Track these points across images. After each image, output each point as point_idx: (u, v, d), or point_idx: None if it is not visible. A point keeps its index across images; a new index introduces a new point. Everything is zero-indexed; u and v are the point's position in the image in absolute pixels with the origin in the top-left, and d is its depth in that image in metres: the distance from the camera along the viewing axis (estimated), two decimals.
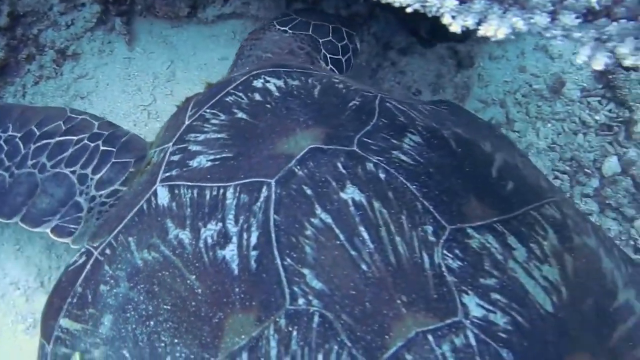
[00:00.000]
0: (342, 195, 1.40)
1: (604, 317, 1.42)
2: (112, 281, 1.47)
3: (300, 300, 1.26)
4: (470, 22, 0.89)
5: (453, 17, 0.90)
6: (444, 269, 1.33)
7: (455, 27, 0.90)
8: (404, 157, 1.53)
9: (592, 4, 0.83)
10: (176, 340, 1.32)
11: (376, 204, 1.41)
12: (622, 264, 1.61)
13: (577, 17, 0.83)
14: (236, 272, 1.33)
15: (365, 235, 1.35)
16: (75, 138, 1.98)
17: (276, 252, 1.33)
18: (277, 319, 1.26)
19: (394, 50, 2.58)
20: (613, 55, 0.82)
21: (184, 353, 1.30)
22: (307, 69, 1.89)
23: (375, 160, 1.49)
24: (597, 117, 2.55)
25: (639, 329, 1.46)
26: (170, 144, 1.68)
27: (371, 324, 1.24)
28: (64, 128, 2.00)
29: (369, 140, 1.55)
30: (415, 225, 1.39)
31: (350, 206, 1.39)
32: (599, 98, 2.61)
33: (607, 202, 2.39)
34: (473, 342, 1.25)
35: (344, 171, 1.45)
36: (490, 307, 1.30)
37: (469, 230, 1.41)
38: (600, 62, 0.83)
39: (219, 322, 1.30)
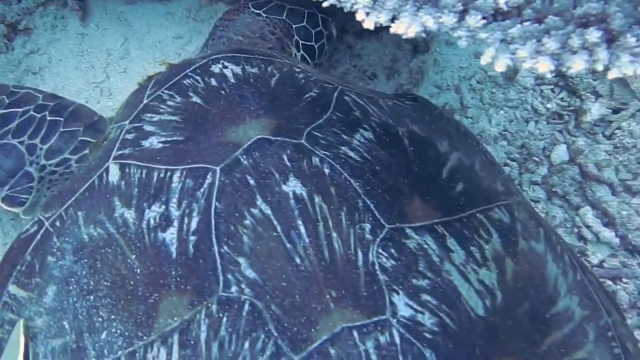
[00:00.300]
0: (284, 187, 1.42)
1: (539, 323, 1.45)
2: (58, 253, 1.49)
3: (233, 288, 1.29)
4: (383, 18, 0.90)
5: (367, 14, 0.90)
6: (377, 267, 1.35)
7: (369, 24, 0.90)
8: (351, 153, 1.54)
9: (499, 4, 0.84)
10: (113, 317, 1.35)
11: (317, 199, 1.42)
12: (571, 270, 1.64)
13: (483, 18, 0.84)
14: (174, 255, 1.36)
15: (302, 229, 1.37)
16: (20, 110, 1.98)
17: (214, 239, 1.36)
18: (209, 305, 1.28)
19: (350, 34, 2.58)
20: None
21: (119, 329, 1.33)
22: (270, 56, 1.88)
23: (321, 155, 1.50)
24: (549, 106, 2.58)
25: (575, 336, 1.50)
26: (127, 121, 1.68)
27: (299, 316, 1.26)
28: (7, 101, 1.98)
29: (319, 134, 1.56)
30: (354, 222, 1.40)
31: (290, 199, 1.41)
32: (551, 86, 2.64)
33: (553, 189, 2.44)
34: (397, 340, 1.27)
35: (288, 164, 1.47)
36: (419, 308, 1.32)
37: (408, 231, 1.42)
38: (502, 64, 0.84)
39: (154, 302, 1.32)
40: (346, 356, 1.23)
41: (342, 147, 1.55)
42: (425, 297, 1.35)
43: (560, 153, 2.48)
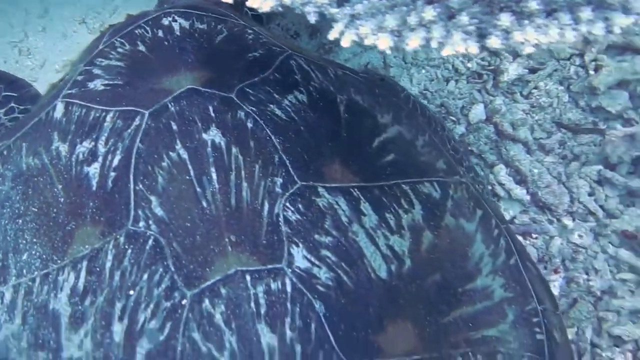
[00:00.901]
0: (204, 135, 1.50)
1: (448, 295, 1.53)
2: (0, 179, 1.62)
3: (141, 223, 1.40)
4: None
5: None
6: (281, 219, 1.42)
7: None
8: (278, 112, 1.60)
9: None
10: (35, 240, 1.47)
11: (234, 150, 1.49)
12: (504, 254, 1.71)
13: None
14: (94, 188, 1.48)
15: (213, 175, 1.45)
16: None
17: (131, 177, 1.46)
18: (118, 237, 1.40)
19: None
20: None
21: (38, 252, 1.45)
22: (225, 16, 1.94)
23: (247, 110, 1.57)
24: (469, 65, 2.62)
25: (489, 314, 1.58)
26: (82, 64, 1.77)
27: (197, 256, 1.35)
28: None
29: (250, 91, 1.63)
30: (267, 175, 1.47)
31: (208, 147, 1.49)
32: None
33: (470, 148, 2.49)
34: (289, 289, 1.34)
35: (212, 114, 1.54)
36: (316, 262, 1.39)
37: (320, 190, 1.49)
38: (348, 40, 0.86)
39: (71, 230, 1.45)
40: (235, 297, 1.31)
41: (271, 105, 1.61)
42: (325, 252, 1.41)
43: (477, 112, 2.53)
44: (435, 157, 1.81)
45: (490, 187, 2.45)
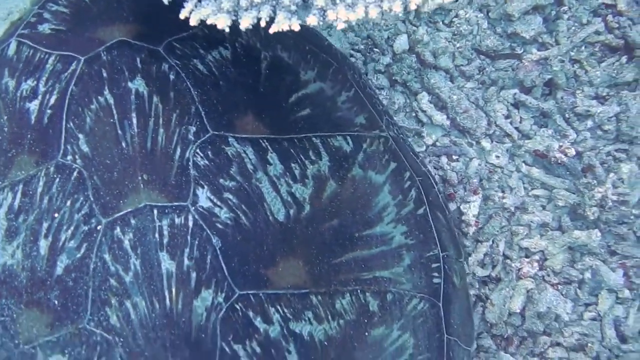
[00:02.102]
0: (129, 84, 1.69)
1: (344, 239, 1.72)
2: None
3: (69, 157, 1.62)
4: None
5: None
6: (190, 163, 1.61)
7: None
8: (200, 67, 1.77)
9: None
10: None
11: (155, 99, 1.68)
12: (412, 204, 1.90)
13: None
14: (32, 122, 1.70)
15: (134, 120, 1.64)
16: None
17: (64, 115, 1.67)
18: (49, 167, 1.63)
19: None
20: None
21: None
22: None
23: (172, 63, 1.75)
24: None
25: (385, 258, 1.77)
26: (37, 7, 1.91)
27: (113, 189, 1.57)
28: None
29: (178, 45, 1.80)
30: (182, 124, 1.66)
31: (132, 94, 1.68)
32: None
33: (394, 77, 2.60)
34: (190, 224, 1.55)
35: (139, 65, 1.72)
36: (218, 203, 1.59)
37: (230, 139, 1.68)
38: (195, 19, 0.99)
39: (12, 157, 1.68)
40: (143, 227, 1.53)
41: (194, 60, 1.78)
42: (228, 195, 1.60)
43: (401, 42, 2.63)
44: (356, 113, 1.95)
45: (414, 114, 2.58)
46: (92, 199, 1.58)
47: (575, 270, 2.29)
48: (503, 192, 2.45)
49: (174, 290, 1.50)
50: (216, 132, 1.68)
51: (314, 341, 1.60)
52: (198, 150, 1.64)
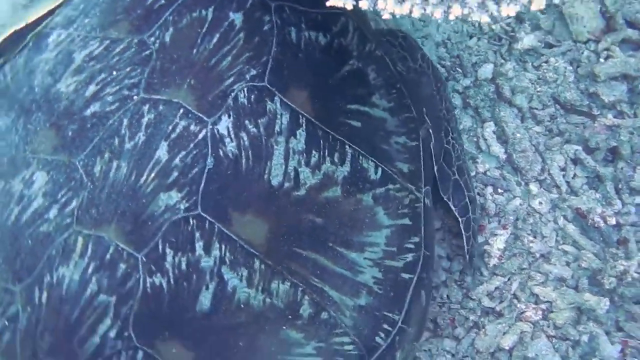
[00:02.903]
0: (231, 13, 1.89)
1: (317, 240, 1.79)
2: None
3: (152, 39, 1.86)
4: None
5: None
6: (232, 94, 1.79)
7: None
8: (293, 35, 1.93)
9: None
10: None
11: (241, 34, 1.88)
12: (400, 263, 1.92)
13: None
14: (147, 4, 1.94)
15: (215, 39, 1.87)
16: None
17: (170, 9, 1.90)
18: (135, 38, 1.88)
19: None
20: None
21: None
22: None
23: (273, 19, 1.92)
24: (493, 27, 2.80)
25: (342, 283, 1.80)
26: None
27: (164, 78, 1.81)
28: None
29: (287, 10, 1.94)
30: (248, 63, 1.85)
31: (227, 21, 1.89)
32: None
33: (468, 100, 2.71)
34: (200, 136, 1.75)
35: (247, 5, 1.90)
36: (232, 135, 1.75)
37: (276, 98, 1.83)
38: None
39: (116, 20, 1.93)
40: (164, 116, 1.76)
41: (292, 28, 1.93)
42: (243, 135, 1.77)
43: (486, 70, 2.73)
44: (403, 160, 2.02)
45: (475, 139, 2.68)
46: (145, 75, 1.79)
47: (575, 330, 2.33)
48: (534, 237, 2.51)
49: (152, 175, 1.67)
50: (269, 86, 1.82)
51: (234, 296, 1.67)
52: (245, 89, 1.79)
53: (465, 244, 2.33)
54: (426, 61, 2.41)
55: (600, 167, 2.52)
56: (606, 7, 2.61)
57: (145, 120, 1.73)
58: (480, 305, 2.45)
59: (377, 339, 1.87)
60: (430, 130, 2.21)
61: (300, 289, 1.74)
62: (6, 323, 1.69)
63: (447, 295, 2.48)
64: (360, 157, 1.90)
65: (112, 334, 1.61)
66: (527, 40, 2.68)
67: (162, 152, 1.69)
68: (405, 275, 1.95)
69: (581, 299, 2.33)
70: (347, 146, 1.88)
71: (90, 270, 1.63)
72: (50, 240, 1.69)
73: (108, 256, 1.63)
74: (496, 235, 2.51)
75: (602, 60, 2.60)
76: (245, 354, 1.69)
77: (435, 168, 2.25)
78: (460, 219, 2.32)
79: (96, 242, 1.64)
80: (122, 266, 1.63)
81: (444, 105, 2.40)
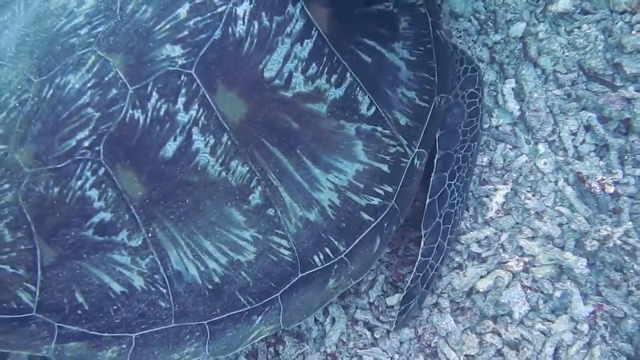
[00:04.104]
0: None
1: (289, 142, 1.93)
2: None
3: None
4: None
5: None
6: None
7: None
8: None
9: None
10: None
11: None
12: (364, 202, 2.06)
13: None
14: None
15: None
16: None
17: None
18: None
19: None
20: None
21: None
22: None
23: None
24: None
25: (297, 189, 1.95)
26: None
27: None
28: None
29: None
30: None
31: None
32: None
33: (494, 55, 2.78)
34: (218, 8, 1.86)
35: None
36: (246, 20, 1.86)
37: (299, 5, 1.90)
38: None
39: None
40: None
41: None
42: (255, 23, 1.87)
43: (518, 29, 2.77)
44: (403, 112, 2.10)
45: (494, 93, 2.75)
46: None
47: (551, 286, 2.43)
48: (533, 194, 2.59)
49: (167, 26, 1.85)
50: None
51: (194, 157, 1.85)
52: None
53: (410, 281, 2.34)
54: (471, 102, 2.42)
55: (609, 137, 2.56)
56: None
57: None
58: (467, 249, 2.58)
59: (315, 257, 2.02)
60: (450, 104, 2.31)
61: (257, 177, 1.90)
62: (17, 104, 1.90)
63: None
64: (357, 89, 2.00)
65: (86, 143, 1.84)
66: (563, 3, 2.69)
67: (182, 11, 1.85)
68: (365, 216, 2.08)
69: (562, 256, 2.42)
70: (348, 73, 1.99)
71: (89, 84, 1.85)
72: (72, 51, 1.89)
73: (107, 79, 1.85)
74: (497, 189, 2.61)
75: (634, 32, 2.60)
76: (187, 210, 1.88)
77: (428, 201, 2.31)
78: (419, 258, 2.35)
79: (103, 64, 1.85)
80: (114, 91, 1.84)
81: (464, 147, 2.39)
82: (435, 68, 2.18)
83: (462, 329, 2.45)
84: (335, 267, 2.05)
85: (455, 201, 2.37)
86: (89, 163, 1.83)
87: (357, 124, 2.01)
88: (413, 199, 2.25)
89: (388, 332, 2.47)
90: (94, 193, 1.83)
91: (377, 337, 2.47)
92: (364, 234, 2.07)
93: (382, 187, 2.08)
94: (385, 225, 2.12)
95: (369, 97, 2.02)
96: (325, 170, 1.97)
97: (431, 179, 2.29)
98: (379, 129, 2.05)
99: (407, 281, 2.37)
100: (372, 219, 2.08)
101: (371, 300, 2.53)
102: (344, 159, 2.00)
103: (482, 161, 2.67)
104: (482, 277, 2.48)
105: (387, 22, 2.09)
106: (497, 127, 2.72)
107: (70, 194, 1.83)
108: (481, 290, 2.46)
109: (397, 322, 2.39)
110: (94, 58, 1.86)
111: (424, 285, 2.37)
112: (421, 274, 2.34)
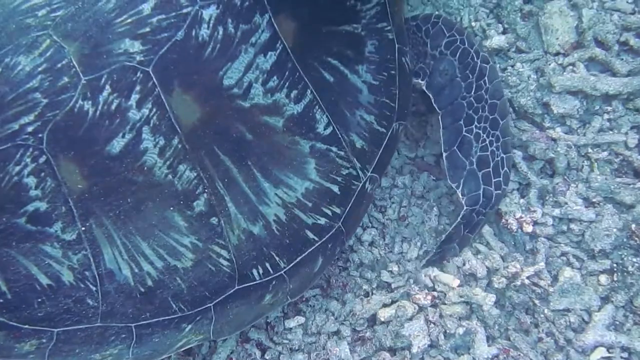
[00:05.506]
0: None
1: (241, 149, 1.90)
2: None
3: None
4: None
5: None
6: None
7: None
8: None
9: None
10: None
11: None
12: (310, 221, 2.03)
13: None
14: None
15: None
16: None
17: None
18: None
19: None
20: None
21: None
22: None
23: None
24: (473, 24, 2.80)
25: (241, 199, 1.91)
26: None
27: None
28: None
29: None
30: None
31: None
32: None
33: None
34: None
35: None
36: (212, 24, 1.83)
37: (266, 16, 1.90)
38: None
39: None
40: None
41: None
42: (221, 28, 1.85)
43: None
44: (360, 135, 2.09)
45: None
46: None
47: (455, 323, 2.29)
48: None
49: (129, 20, 1.80)
50: (266, 1, 1.91)
51: (141, 156, 1.79)
52: None
53: (452, 226, 2.35)
54: (454, 48, 2.40)
55: (531, 175, 2.48)
56: (582, 24, 2.57)
57: None
58: (378, 278, 2.46)
59: (255, 271, 1.96)
60: (432, 68, 2.31)
61: (203, 184, 1.85)
62: None
63: (351, 260, 2.50)
64: (317, 107, 1.99)
65: (30, 128, 1.76)
66: (497, 40, 2.67)
67: (147, 7, 1.81)
68: (310, 235, 2.03)
69: (470, 292, 2.30)
70: (309, 90, 1.97)
71: (40, 69, 1.77)
72: (27, 32, 1.81)
73: (59, 65, 1.77)
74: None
75: (565, 74, 2.56)
76: (128, 209, 1.81)
77: (444, 155, 2.30)
78: (465, 208, 2.34)
79: (57, 50, 1.78)
80: (65, 79, 1.77)
81: (474, 93, 2.38)
82: (396, 95, 2.17)
83: (357, 358, 2.30)
84: (274, 282, 2.00)
85: (488, 142, 2.34)
86: (30, 149, 1.75)
87: (312, 142, 1.99)
88: (360, 224, 2.23)
89: (280, 354, 2.31)
90: (31, 180, 1.75)
91: (268, 358, 2.31)
92: (306, 253, 2.03)
93: (331, 207, 2.05)
94: (330, 246, 2.08)
95: (327, 116, 2.00)
96: (275, 185, 1.94)
97: (440, 134, 2.29)
98: (334, 149, 2.03)
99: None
100: (316, 238, 2.04)
101: (269, 320, 2.38)
102: (294, 176, 1.97)
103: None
104: (385, 305, 2.35)
105: (353, 44, 2.10)
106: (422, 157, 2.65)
107: (7, 179, 1.75)
108: (382, 319, 2.32)
109: (429, 259, 2.40)
110: (49, 42, 1.79)
111: (467, 230, 2.36)
112: (464, 221, 2.35)
